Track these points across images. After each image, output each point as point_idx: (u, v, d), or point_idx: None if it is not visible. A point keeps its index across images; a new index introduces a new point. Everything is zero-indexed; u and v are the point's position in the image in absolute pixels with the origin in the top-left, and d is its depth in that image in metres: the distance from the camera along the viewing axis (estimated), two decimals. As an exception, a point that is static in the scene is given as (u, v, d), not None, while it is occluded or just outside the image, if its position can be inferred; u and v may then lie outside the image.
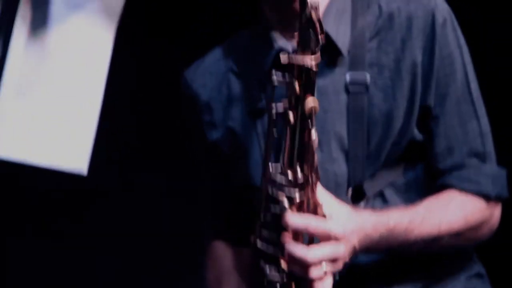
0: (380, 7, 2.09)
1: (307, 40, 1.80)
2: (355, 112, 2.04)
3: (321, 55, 1.84)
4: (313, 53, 1.79)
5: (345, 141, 2.04)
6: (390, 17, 2.07)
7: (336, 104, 2.04)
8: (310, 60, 1.79)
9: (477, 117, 2.09)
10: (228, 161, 2.22)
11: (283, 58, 1.82)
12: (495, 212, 2.10)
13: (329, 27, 2.04)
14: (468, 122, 2.08)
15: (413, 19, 2.06)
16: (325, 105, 2.03)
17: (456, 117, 2.07)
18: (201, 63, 2.29)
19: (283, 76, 1.84)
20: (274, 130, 1.88)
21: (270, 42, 2.07)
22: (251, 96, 2.13)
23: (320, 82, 1.96)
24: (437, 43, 2.05)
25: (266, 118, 2.01)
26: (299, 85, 1.81)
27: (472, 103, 2.09)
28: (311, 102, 1.81)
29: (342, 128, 2.04)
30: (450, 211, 2.04)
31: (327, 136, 2.04)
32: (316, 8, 1.76)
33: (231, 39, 2.27)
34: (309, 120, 1.81)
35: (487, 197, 2.06)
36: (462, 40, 2.12)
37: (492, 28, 3.23)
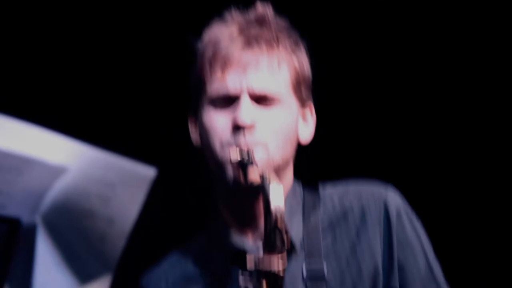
0: (333, 203, 2.14)
1: (273, 244, 1.84)
2: None
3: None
4: (280, 252, 1.84)
5: None
6: (344, 212, 2.13)
7: None
8: (277, 264, 1.83)
9: None
10: None
11: (250, 262, 1.85)
12: None
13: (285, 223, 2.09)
14: None
15: (366, 212, 2.11)
16: None
17: None
18: (156, 269, 2.29)
19: (250, 277, 1.88)
20: None
21: (228, 241, 2.10)
22: None
23: None
24: (393, 231, 2.10)
25: None
26: (267, 285, 1.85)
27: (436, 284, 2.14)
28: None
29: None
30: None
31: None
32: (280, 208, 1.80)
33: (186, 244, 2.28)
34: None
35: None
36: (419, 227, 2.17)
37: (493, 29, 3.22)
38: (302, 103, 2.21)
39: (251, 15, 2.15)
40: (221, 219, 2.17)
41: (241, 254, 1.94)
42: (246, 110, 2.04)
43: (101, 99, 3.05)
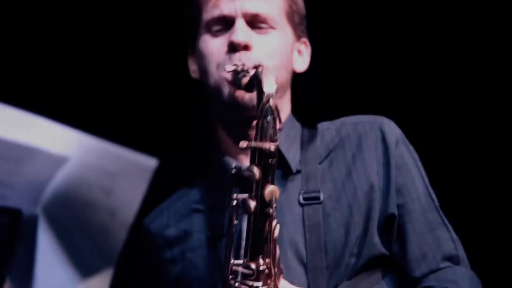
0: (330, 134, 2.19)
1: (266, 127, 1.88)
2: (310, 224, 2.10)
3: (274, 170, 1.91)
4: (272, 140, 1.87)
5: (303, 251, 2.08)
6: (341, 140, 2.20)
7: (290, 217, 2.10)
8: (270, 144, 1.86)
9: (445, 224, 2.19)
10: None
11: (242, 143, 1.89)
12: None
13: (282, 146, 2.14)
14: (437, 229, 2.17)
15: (362, 138, 2.20)
16: (280, 218, 2.06)
17: (424, 225, 2.15)
18: (159, 206, 2.35)
19: (244, 168, 1.91)
20: (235, 223, 1.94)
21: (225, 167, 2.14)
22: (212, 222, 2.18)
23: None
24: (391, 156, 2.16)
25: (225, 240, 2.06)
26: (260, 171, 1.87)
27: (437, 210, 2.19)
28: (271, 187, 1.87)
29: (299, 240, 2.09)
30: None
31: (284, 248, 2.08)
32: (272, 96, 1.86)
33: (188, 185, 2.34)
34: (270, 208, 1.87)
35: None
36: (416, 155, 2.22)
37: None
38: (297, 35, 2.27)
39: None
40: (218, 149, 2.19)
41: (239, 176, 1.94)
42: (241, 30, 2.11)
43: (103, 88, 3.07)
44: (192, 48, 2.31)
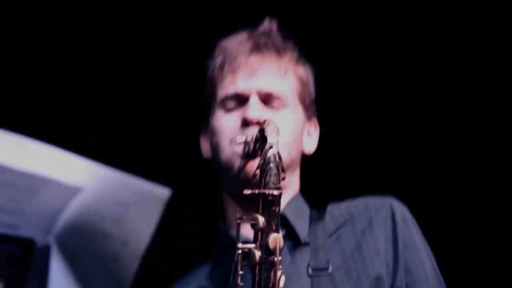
0: (340, 211, 2.20)
1: (269, 175, 1.88)
2: None
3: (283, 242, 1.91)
4: (276, 188, 1.88)
5: None
6: (351, 216, 2.21)
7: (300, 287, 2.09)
8: (273, 190, 1.87)
9: None
10: None
11: (246, 190, 1.89)
12: None
13: (290, 217, 2.13)
14: None
15: (373, 216, 2.21)
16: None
17: None
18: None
19: (247, 217, 1.91)
20: (240, 275, 1.93)
21: (233, 240, 2.13)
22: None
23: (282, 268, 1.99)
24: (399, 233, 2.17)
25: None
26: (263, 219, 1.87)
27: None
28: (274, 235, 1.87)
29: None
30: None
31: None
32: (275, 145, 1.87)
33: (197, 268, 2.33)
34: (274, 257, 1.87)
35: None
36: (423, 237, 2.22)
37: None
38: (307, 115, 2.29)
39: (259, 28, 2.24)
40: (225, 221, 2.20)
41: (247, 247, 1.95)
42: (255, 107, 2.11)
43: (116, 119, 3.07)
44: (205, 125, 2.31)
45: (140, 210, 1.43)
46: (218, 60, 2.21)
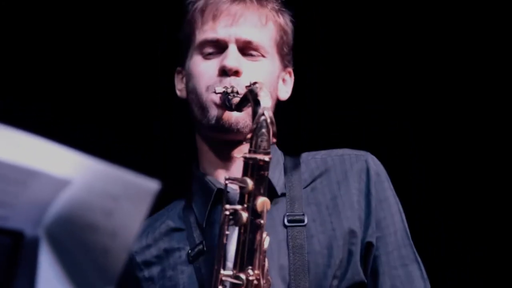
0: (315, 162, 2.25)
1: (260, 140, 1.92)
2: (294, 245, 2.14)
3: None
4: (266, 153, 1.91)
5: (286, 272, 2.12)
6: (326, 168, 2.27)
7: (275, 238, 2.13)
8: (264, 156, 1.91)
9: (418, 262, 2.26)
10: None
11: (237, 153, 1.94)
12: None
13: None
14: (410, 265, 2.24)
15: (348, 169, 2.28)
16: None
17: (398, 259, 2.22)
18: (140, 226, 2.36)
19: (235, 179, 1.94)
20: (226, 234, 1.97)
21: (208, 187, 2.16)
22: (192, 240, 2.20)
23: None
24: (373, 188, 2.23)
25: (205, 259, 2.09)
26: (252, 182, 1.91)
27: (412, 247, 2.26)
28: (262, 199, 1.91)
29: (283, 260, 2.13)
30: None
31: (269, 268, 2.09)
32: (268, 109, 1.90)
33: (168, 206, 2.35)
34: (261, 219, 1.92)
35: None
36: (395, 193, 2.26)
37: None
38: (284, 65, 2.34)
39: None
40: (200, 168, 2.23)
41: (220, 194, 2.00)
42: (233, 56, 2.17)
43: (106, 111, 3.08)
44: (181, 66, 2.36)
45: (129, 202, 1.43)
46: (199, 3, 2.26)
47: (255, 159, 1.96)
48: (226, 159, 2.23)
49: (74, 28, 3.23)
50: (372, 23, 3.47)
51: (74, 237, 1.51)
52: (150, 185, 1.46)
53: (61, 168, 1.48)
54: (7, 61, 3.09)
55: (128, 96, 3.22)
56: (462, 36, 3.40)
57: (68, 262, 1.51)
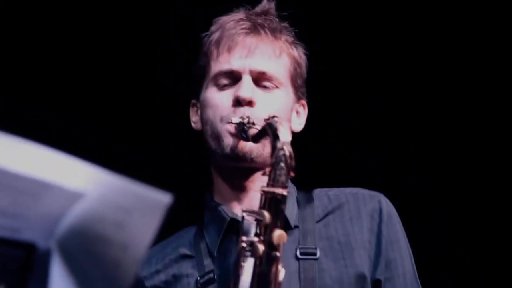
0: (328, 198, 2.27)
1: (279, 174, 1.93)
2: (306, 278, 2.15)
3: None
4: (284, 187, 1.93)
5: None
6: (339, 204, 2.28)
7: (287, 270, 2.13)
8: (282, 190, 1.92)
9: None
10: None
11: (263, 187, 1.95)
12: None
13: None
14: None
15: (361, 207, 2.28)
16: None
17: None
18: (149, 251, 2.37)
19: (252, 212, 1.95)
20: (242, 264, 1.98)
21: (221, 216, 2.17)
22: (201, 268, 2.21)
23: None
24: (384, 228, 2.25)
25: (232, 282, 2.10)
26: (269, 215, 1.92)
27: None
28: (279, 232, 1.92)
29: None
30: None
31: None
32: (288, 144, 1.91)
33: (178, 232, 2.37)
34: (277, 252, 1.93)
35: None
36: (406, 236, 2.28)
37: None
38: (297, 96, 2.35)
39: (257, 9, 2.30)
40: (213, 197, 2.24)
41: (233, 224, 2.01)
42: (247, 86, 2.18)
43: (119, 124, 3.07)
44: (195, 99, 2.37)
45: (141, 215, 1.43)
46: (215, 36, 2.27)
47: (273, 193, 1.98)
48: (239, 189, 2.25)
49: (74, 28, 3.22)
50: (372, 23, 3.48)
51: (85, 249, 1.51)
52: (162, 198, 1.46)
53: (74, 181, 1.48)
54: (7, 61, 3.07)
55: (141, 108, 3.22)
56: (462, 36, 3.40)
57: (80, 274, 1.51)
